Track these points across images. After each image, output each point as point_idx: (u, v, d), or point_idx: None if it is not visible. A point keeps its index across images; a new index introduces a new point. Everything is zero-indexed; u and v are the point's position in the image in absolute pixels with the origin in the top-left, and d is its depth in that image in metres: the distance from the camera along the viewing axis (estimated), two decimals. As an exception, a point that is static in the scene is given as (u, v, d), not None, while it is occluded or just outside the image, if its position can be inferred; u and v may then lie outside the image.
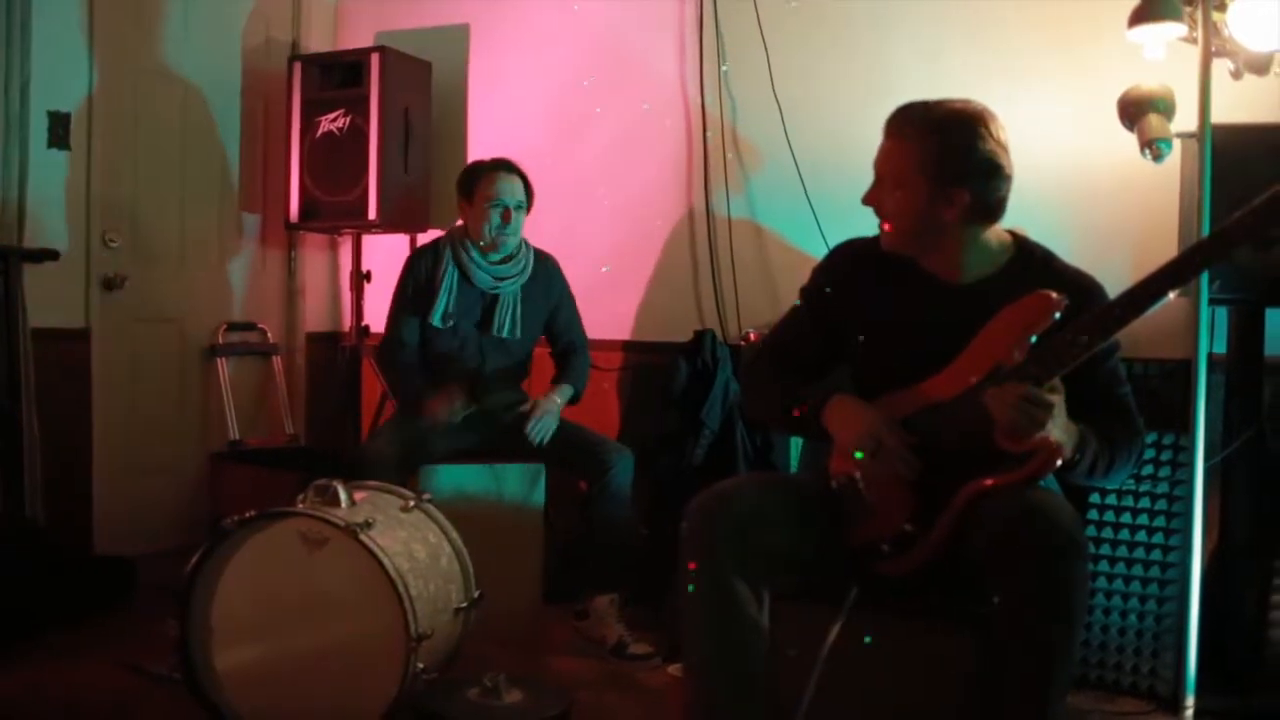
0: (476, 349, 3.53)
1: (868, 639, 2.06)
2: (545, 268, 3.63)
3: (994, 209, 2.12)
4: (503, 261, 3.52)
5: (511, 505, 3.40)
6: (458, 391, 3.40)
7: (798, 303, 2.35)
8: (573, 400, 3.58)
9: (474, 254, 3.49)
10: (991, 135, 2.08)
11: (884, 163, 2.15)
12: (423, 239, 4.31)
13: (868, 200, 2.18)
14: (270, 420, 4.68)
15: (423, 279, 3.51)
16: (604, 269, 4.16)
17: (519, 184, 3.50)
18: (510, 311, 3.53)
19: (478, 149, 4.41)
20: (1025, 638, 1.86)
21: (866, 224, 2.28)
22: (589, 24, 4.28)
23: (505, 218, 3.45)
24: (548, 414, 3.43)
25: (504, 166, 3.51)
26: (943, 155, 2.07)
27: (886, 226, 2.17)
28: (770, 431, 3.60)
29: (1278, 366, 2.96)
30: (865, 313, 2.22)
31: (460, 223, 3.58)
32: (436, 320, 3.46)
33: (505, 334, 3.52)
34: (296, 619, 2.52)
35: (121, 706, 2.77)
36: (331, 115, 4.20)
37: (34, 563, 3.34)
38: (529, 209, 3.55)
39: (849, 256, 2.30)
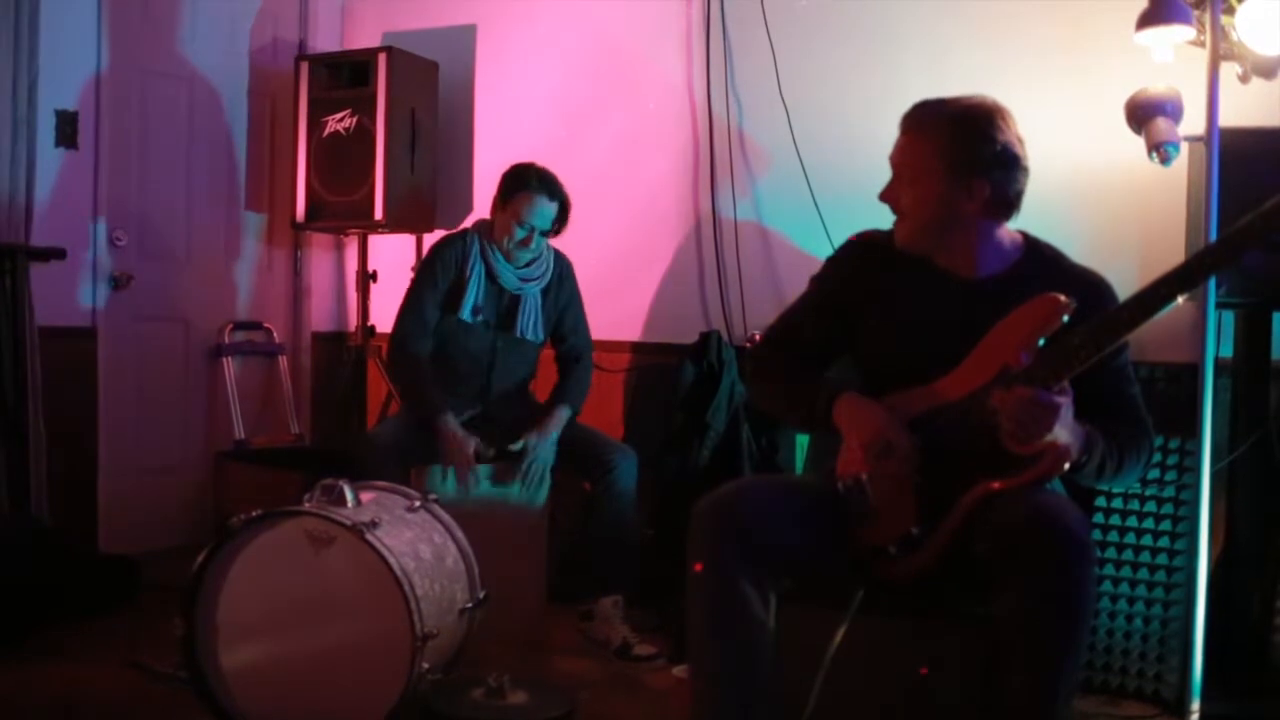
0: (490, 347, 3.51)
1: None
2: (561, 269, 3.63)
3: (1012, 202, 2.13)
4: (527, 264, 3.52)
5: (516, 506, 3.39)
6: (472, 460, 3.33)
7: (814, 290, 2.34)
8: (571, 419, 3.54)
9: (499, 254, 3.47)
10: (1009, 127, 2.09)
11: (901, 157, 2.14)
12: (429, 239, 4.31)
13: (885, 196, 2.17)
14: (275, 420, 4.69)
15: (452, 270, 3.47)
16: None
17: (553, 211, 3.43)
18: (533, 313, 3.52)
19: (484, 150, 4.42)
20: (1031, 641, 1.85)
21: (872, 226, 2.28)
22: (596, 25, 4.28)
23: (526, 242, 3.42)
24: (541, 453, 3.38)
25: (547, 191, 3.41)
26: (963, 146, 2.07)
27: (903, 223, 2.16)
28: (773, 420, 3.58)
29: (1285, 370, 2.96)
30: (876, 304, 2.22)
31: (489, 218, 3.55)
32: (466, 314, 3.43)
33: (529, 336, 3.53)
34: (302, 618, 2.52)
35: (125, 705, 2.77)
36: (338, 115, 4.20)
37: (38, 561, 3.34)
38: (560, 230, 3.50)
39: (863, 247, 2.29)
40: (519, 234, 3.41)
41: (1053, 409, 1.88)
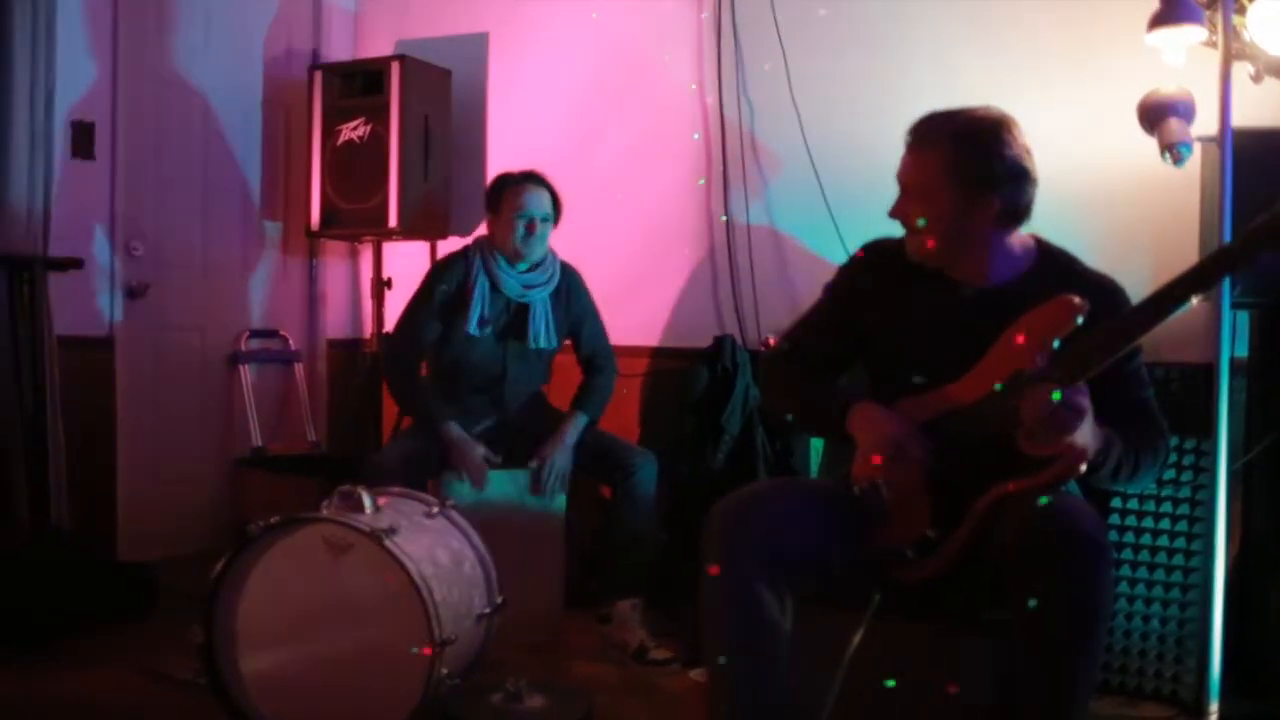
0: (499, 358, 3.53)
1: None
2: (569, 280, 3.64)
3: (1022, 213, 2.13)
4: (530, 270, 3.53)
5: (533, 511, 3.40)
6: (480, 461, 3.36)
7: (827, 298, 2.35)
8: (589, 426, 3.55)
9: (502, 263, 3.50)
10: (1016, 140, 2.09)
11: (909, 174, 2.15)
12: (443, 245, 4.33)
13: (895, 213, 2.17)
14: (292, 427, 4.71)
15: (454, 288, 3.50)
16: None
17: (546, 196, 3.50)
18: (543, 321, 3.54)
19: (497, 156, 4.42)
20: (1048, 643, 1.85)
21: (884, 230, 2.29)
22: (607, 31, 4.29)
23: (530, 229, 3.45)
24: (558, 461, 3.40)
25: (532, 179, 3.51)
26: (970, 163, 2.07)
27: (914, 238, 2.17)
28: (787, 426, 3.59)
29: (1300, 370, 2.95)
30: (889, 313, 2.23)
31: (486, 233, 3.60)
32: (472, 328, 3.45)
33: (541, 344, 3.53)
34: (321, 624, 2.53)
35: (144, 712, 2.79)
36: (352, 123, 4.22)
37: (57, 569, 3.36)
38: (556, 221, 3.55)
39: (876, 256, 2.29)
40: (520, 227, 3.44)
41: (1081, 413, 1.88)
